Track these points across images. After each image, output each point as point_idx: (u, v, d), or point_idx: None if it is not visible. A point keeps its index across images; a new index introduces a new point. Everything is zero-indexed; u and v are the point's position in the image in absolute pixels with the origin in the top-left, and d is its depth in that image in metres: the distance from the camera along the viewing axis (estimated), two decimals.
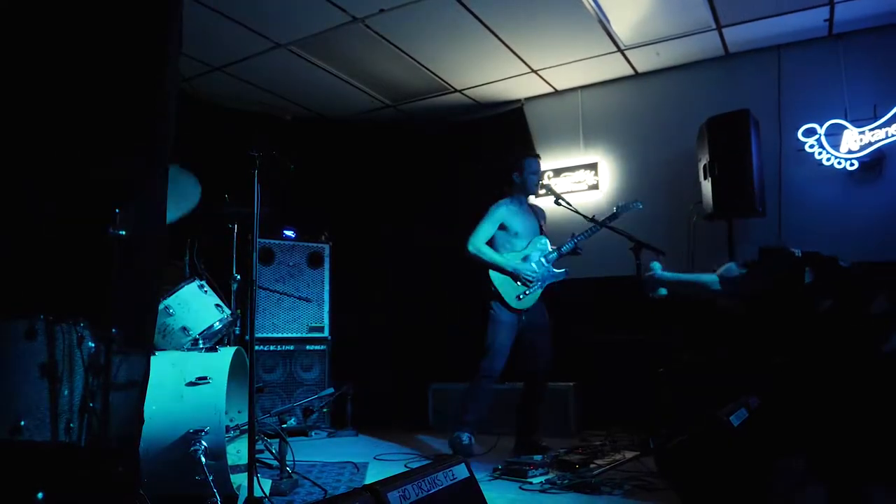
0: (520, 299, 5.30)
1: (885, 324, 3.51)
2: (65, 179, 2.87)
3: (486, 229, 5.38)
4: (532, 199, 5.69)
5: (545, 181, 7.26)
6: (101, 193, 2.89)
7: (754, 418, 3.84)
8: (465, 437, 5.24)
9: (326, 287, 6.92)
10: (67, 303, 2.76)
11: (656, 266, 4.29)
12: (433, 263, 7.42)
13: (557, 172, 7.34)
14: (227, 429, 3.87)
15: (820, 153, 5.85)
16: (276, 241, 6.71)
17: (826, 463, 3.48)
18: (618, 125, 7.12)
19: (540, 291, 5.39)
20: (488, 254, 5.31)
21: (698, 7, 5.58)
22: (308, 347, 6.73)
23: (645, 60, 6.68)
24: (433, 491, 2.39)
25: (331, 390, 6.06)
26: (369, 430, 6.68)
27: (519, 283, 5.30)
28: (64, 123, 2.87)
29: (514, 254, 5.39)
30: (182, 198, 4.33)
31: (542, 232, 5.56)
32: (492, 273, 5.31)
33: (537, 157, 5.62)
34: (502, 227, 5.42)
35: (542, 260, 5.38)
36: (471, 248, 5.32)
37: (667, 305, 6.04)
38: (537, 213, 5.66)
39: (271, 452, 4.45)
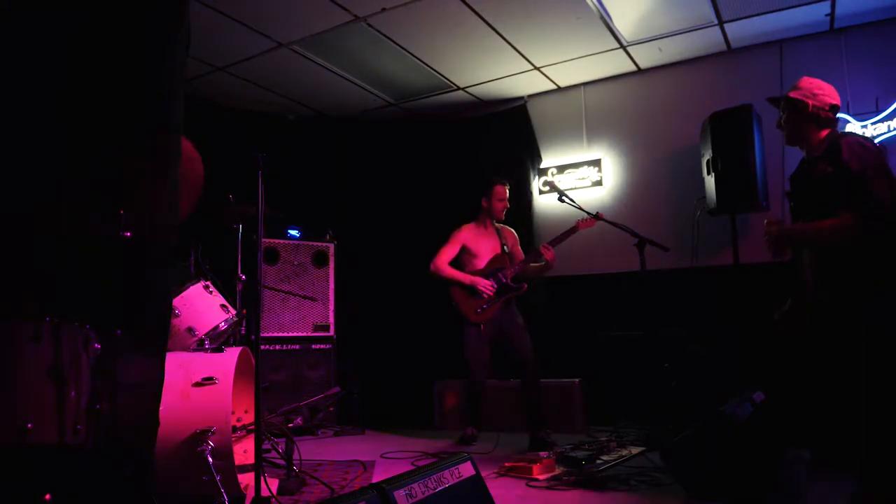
0: (478, 312, 5.60)
1: None
2: (71, 180, 2.88)
3: (448, 251, 5.84)
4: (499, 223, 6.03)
5: (549, 178, 7.30)
6: (107, 194, 2.90)
7: (759, 412, 3.84)
8: (469, 430, 5.76)
9: (331, 286, 6.94)
10: (73, 305, 2.77)
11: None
12: None
13: (561, 169, 7.34)
14: (234, 428, 3.89)
15: None
16: (281, 241, 6.74)
17: (851, 452, 3.43)
18: (621, 121, 7.11)
19: (499, 302, 5.63)
20: (447, 270, 5.75)
21: (700, 3, 5.58)
22: (314, 346, 6.75)
23: (647, 56, 6.67)
24: (439, 489, 2.40)
25: (337, 389, 6.07)
26: (376, 428, 6.70)
27: (476, 295, 5.61)
28: (70, 124, 2.87)
29: (474, 272, 5.74)
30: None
31: (505, 252, 5.83)
32: (451, 290, 5.74)
33: (504, 183, 5.89)
34: (464, 248, 5.88)
35: (500, 276, 5.65)
36: (431, 266, 5.79)
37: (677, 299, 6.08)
38: (504, 235, 5.94)
39: (278, 452, 4.46)
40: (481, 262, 5.80)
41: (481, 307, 5.59)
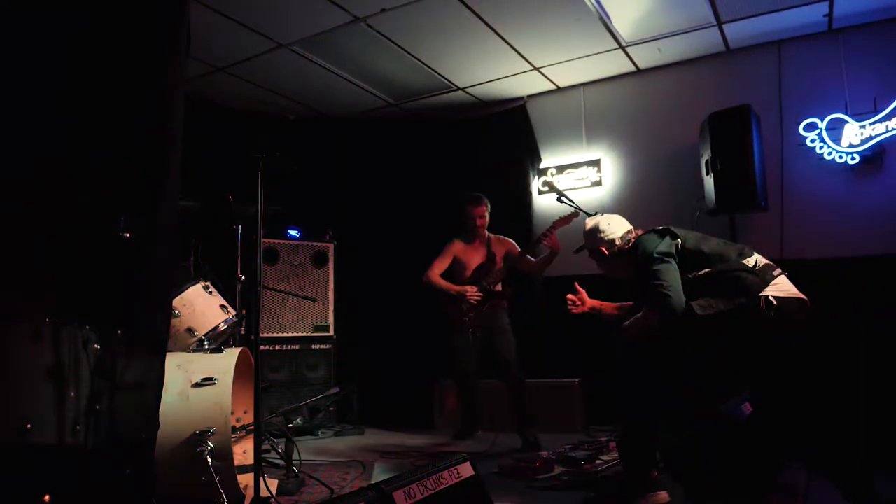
0: (466, 320, 5.82)
1: None
2: (71, 180, 2.88)
3: (440, 263, 6.09)
4: (488, 234, 6.15)
5: (548, 178, 7.30)
6: (108, 195, 2.90)
7: (758, 412, 3.84)
8: (466, 428, 6.09)
9: (331, 286, 6.95)
10: (73, 305, 2.77)
11: None
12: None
13: (560, 169, 7.34)
14: (234, 429, 3.89)
15: (821, 147, 5.84)
16: (281, 241, 6.74)
17: (830, 455, 3.46)
18: (620, 122, 7.11)
19: (483, 308, 5.84)
20: (437, 281, 6.01)
21: (698, 3, 5.57)
22: (313, 346, 6.75)
23: (646, 57, 6.67)
24: (439, 489, 2.40)
25: (336, 389, 6.08)
26: (376, 428, 6.70)
27: (464, 305, 5.82)
28: (70, 124, 2.87)
29: (463, 282, 5.97)
30: None
31: (495, 261, 5.97)
32: (440, 299, 6.03)
33: (478, 201, 6.00)
34: (456, 260, 6.11)
35: (483, 283, 5.86)
36: (424, 278, 6.04)
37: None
38: (494, 246, 6.05)
39: (278, 452, 4.46)
40: (469, 273, 6.01)
41: (468, 315, 5.80)
